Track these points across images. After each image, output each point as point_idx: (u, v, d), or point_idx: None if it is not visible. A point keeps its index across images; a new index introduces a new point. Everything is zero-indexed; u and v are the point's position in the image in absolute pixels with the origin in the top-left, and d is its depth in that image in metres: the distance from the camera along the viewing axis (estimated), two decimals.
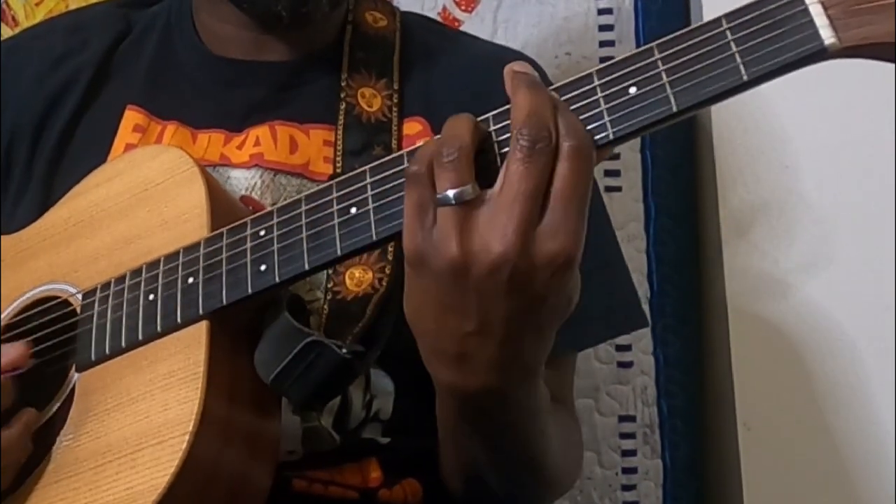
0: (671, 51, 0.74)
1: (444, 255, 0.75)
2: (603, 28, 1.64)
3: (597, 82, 0.76)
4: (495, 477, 0.99)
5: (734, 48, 0.72)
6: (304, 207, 0.86)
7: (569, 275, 0.76)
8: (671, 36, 0.75)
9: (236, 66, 1.18)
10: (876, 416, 1.49)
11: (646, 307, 1.55)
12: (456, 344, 0.79)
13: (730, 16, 0.73)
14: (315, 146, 1.12)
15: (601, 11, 1.64)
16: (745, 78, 0.72)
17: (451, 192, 0.75)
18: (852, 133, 1.51)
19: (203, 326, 0.88)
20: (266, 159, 1.11)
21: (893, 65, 0.71)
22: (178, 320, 0.90)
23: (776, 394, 1.50)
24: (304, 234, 0.85)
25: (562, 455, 1.02)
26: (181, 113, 1.16)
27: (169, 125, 1.15)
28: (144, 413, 0.87)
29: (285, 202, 0.88)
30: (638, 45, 1.62)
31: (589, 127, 0.75)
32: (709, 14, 1.53)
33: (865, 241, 1.50)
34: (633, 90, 0.75)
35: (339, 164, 1.10)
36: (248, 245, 0.88)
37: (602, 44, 1.64)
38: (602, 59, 1.62)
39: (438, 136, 0.78)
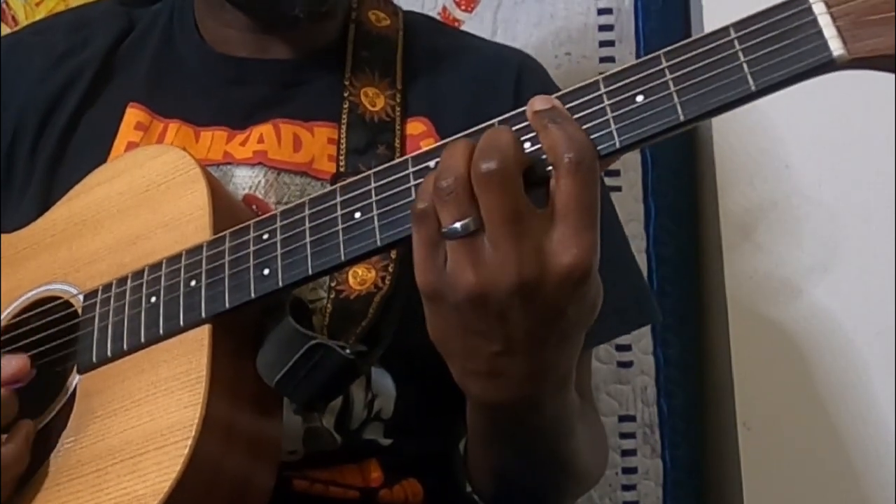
0: (678, 59, 0.74)
1: (462, 287, 0.75)
2: (603, 28, 1.63)
3: (603, 90, 0.76)
4: (528, 478, 0.99)
5: (742, 58, 0.72)
6: (307, 212, 0.85)
7: (588, 284, 0.76)
8: (678, 44, 0.74)
9: (239, 64, 1.18)
10: (876, 415, 1.49)
11: None
12: (486, 364, 0.80)
13: (738, 25, 0.72)
14: (319, 144, 1.12)
15: (601, 11, 1.64)
16: (753, 88, 0.71)
17: (457, 225, 0.75)
18: (852, 132, 1.51)
19: (206, 330, 0.88)
20: (270, 157, 1.11)
21: None
22: (181, 323, 0.90)
23: (776, 394, 1.50)
24: (307, 239, 0.84)
25: (590, 451, 1.03)
26: (184, 111, 1.15)
27: (171, 123, 1.15)
28: (147, 416, 0.87)
29: (289, 206, 0.88)
30: (638, 46, 1.63)
31: (595, 135, 0.75)
32: (709, 14, 1.56)
33: (865, 240, 1.50)
34: (640, 98, 0.74)
35: (342, 163, 1.10)
36: (251, 249, 0.88)
37: (602, 44, 1.63)
38: (602, 59, 1.63)
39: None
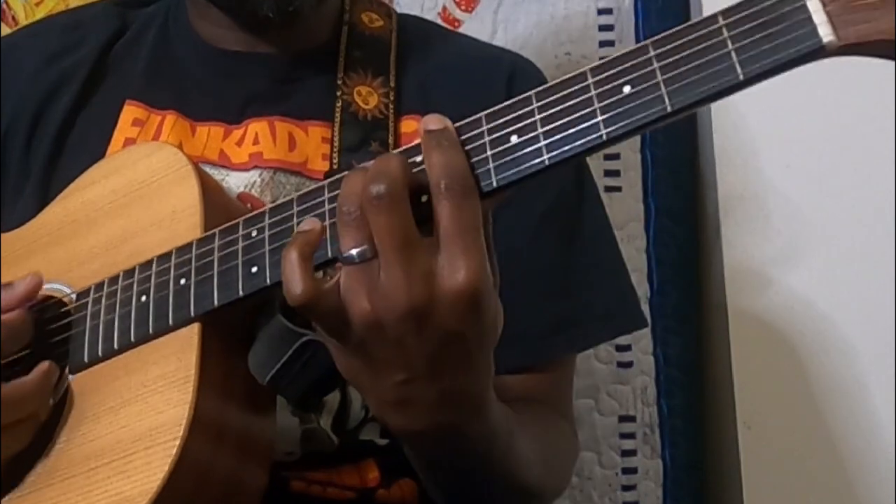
0: (666, 48, 0.73)
1: (357, 314, 0.76)
2: (603, 28, 1.64)
3: (590, 80, 0.75)
4: (469, 495, 0.98)
5: (730, 46, 0.70)
6: (295, 209, 0.85)
7: (481, 306, 0.76)
8: (666, 33, 0.73)
9: (233, 58, 1.18)
10: (875, 416, 1.49)
11: (646, 307, 1.55)
12: (393, 393, 0.80)
13: (726, 12, 0.71)
14: (313, 143, 1.13)
15: (601, 11, 1.64)
16: (741, 77, 0.70)
17: (354, 252, 0.76)
18: (853, 133, 1.51)
19: (195, 328, 0.88)
20: (265, 158, 1.11)
21: (893, 62, 0.70)
22: (170, 322, 0.89)
23: (776, 394, 1.50)
24: None
25: (541, 467, 1.01)
26: (179, 103, 1.16)
27: (168, 115, 1.15)
28: (136, 416, 0.87)
29: (277, 203, 0.87)
30: None
31: (581, 126, 0.74)
32: (708, 13, 1.55)
33: (865, 242, 1.50)
34: (626, 89, 0.73)
35: (335, 161, 1.10)
36: (240, 246, 0.87)
37: (602, 44, 1.64)
38: (602, 59, 1.62)
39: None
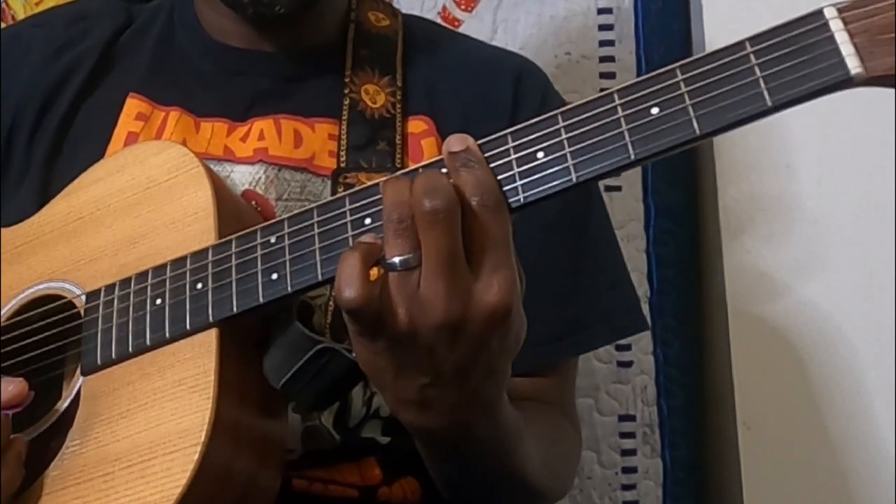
0: (694, 73, 0.74)
1: (393, 319, 0.77)
2: (603, 28, 1.64)
3: (618, 101, 0.76)
4: (474, 491, 1.00)
5: (758, 73, 0.71)
6: (316, 218, 0.85)
7: (510, 320, 0.78)
8: (693, 58, 0.74)
9: (239, 55, 1.18)
10: (875, 416, 1.49)
11: (646, 307, 1.55)
12: (415, 394, 0.82)
13: (754, 39, 0.72)
14: (320, 140, 1.13)
15: (601, 11, 1.64)
16: (769, 104, 0.71)
17: (396, 260, 0.77)
18: (852, 132, 1.51)
19: (213, 334, 0.88)
20: (270, 154, 1.11)
21: None
22: (188, 327, 0.89)
23: (776, 394, 1.50)
24: (316, 245, 0.84)
25: (545, 468, 1.03)
26: (184, 100, 1.16)
27: (172, 111, 1.15)
28: (155, 421, 0.87)
29: (296, 212, 0.87)
30: (638, 45, 1.63)
31: (610, 147, 0.75)
32: (709, 14, 1.56)
33: (864, 241, 1.51)
34: (655, 111, 0.74)
35: (343, 159, 1.10)
36: (259, 253, 0.87)
37: (602, 43, 1.64)
38: (602, 59, 1.63)
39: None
